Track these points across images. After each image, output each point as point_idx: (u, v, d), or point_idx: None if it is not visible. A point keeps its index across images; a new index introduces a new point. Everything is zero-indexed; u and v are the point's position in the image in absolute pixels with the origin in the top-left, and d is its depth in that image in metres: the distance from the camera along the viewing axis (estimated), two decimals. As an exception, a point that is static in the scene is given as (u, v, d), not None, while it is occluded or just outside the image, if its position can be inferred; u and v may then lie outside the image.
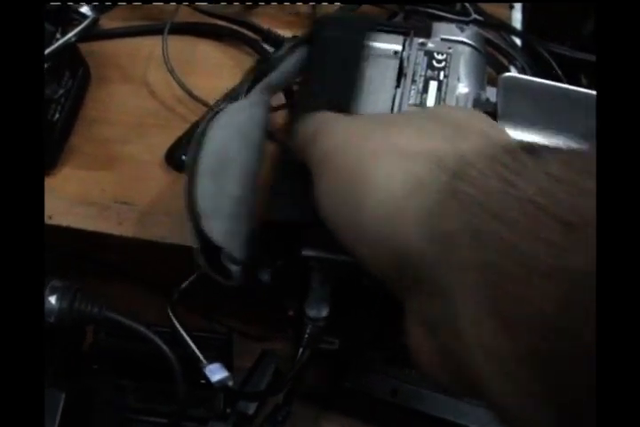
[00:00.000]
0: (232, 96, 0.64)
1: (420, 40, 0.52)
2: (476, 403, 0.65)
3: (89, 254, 0.67)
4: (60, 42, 0.58)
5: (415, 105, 0.49)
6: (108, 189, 0.63)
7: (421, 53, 0.51)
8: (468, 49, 0.53)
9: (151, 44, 0.69)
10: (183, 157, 0.62)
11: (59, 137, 0.64)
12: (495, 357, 0.28)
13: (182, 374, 0.53)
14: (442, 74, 0.50)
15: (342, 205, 0.35)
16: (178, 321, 0.55)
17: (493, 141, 0.34)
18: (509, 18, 0.72)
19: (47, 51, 0.58)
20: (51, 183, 0.63)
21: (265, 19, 0.70)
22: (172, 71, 0.64)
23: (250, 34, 0.68)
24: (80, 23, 0.61)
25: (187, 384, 0.55)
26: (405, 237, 0.32)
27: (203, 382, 0.61)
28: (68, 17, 0.62)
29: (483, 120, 0.39)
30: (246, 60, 0.68)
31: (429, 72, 0.50)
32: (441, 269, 0.30)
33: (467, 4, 0.66)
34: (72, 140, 0.65)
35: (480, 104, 0.50)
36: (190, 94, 0.64)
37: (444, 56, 0.51)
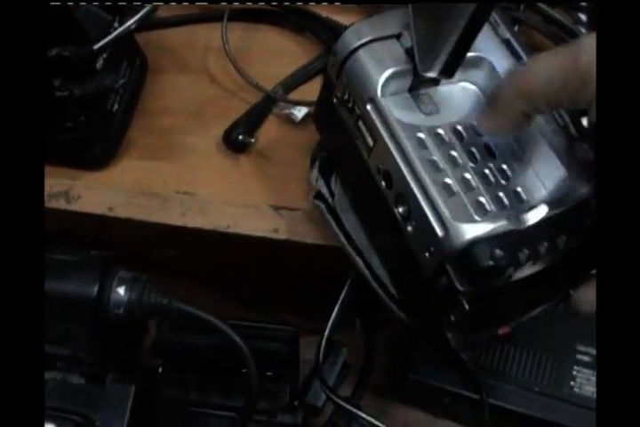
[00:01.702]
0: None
1: None
2: (546, 393, 0.64)
3: (146, 248, 0.67)
4: (119, 30, 0.57)
5: None
6: (170, 179, 0.62)
7: None
8: None
9: (207, 33, 0.68)
10: (240, 137, 0.61)
11: (118, 128, 0.63)
12: None
13: (256, 365, 0.51)
14: None
15: None
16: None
17: None
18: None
19: (105, 40, 0.57)
20: (110, 175, 0.62)
21: (322, 5, 0.68)
22: (233, 60, 0.63)
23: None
24: (137, 11, 0.60)
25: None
26: None
27: (269, 373, 0.60)
28: (124, 6, 0.62)
29: None
30: (306, 46, 0.67)
31: None
32: None
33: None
34: (131, 131, 0.64)
35: None
36: (251, 82, 0.63)
37: None
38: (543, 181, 0.45)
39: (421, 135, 0.47)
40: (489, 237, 0.42)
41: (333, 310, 0.59)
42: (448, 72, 0.46)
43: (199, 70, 0.67)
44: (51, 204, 0.61)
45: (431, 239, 0.44)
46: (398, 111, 0.48)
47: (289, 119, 0.63)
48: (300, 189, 0.60)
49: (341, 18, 0.67)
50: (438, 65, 0.46)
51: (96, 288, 0.50)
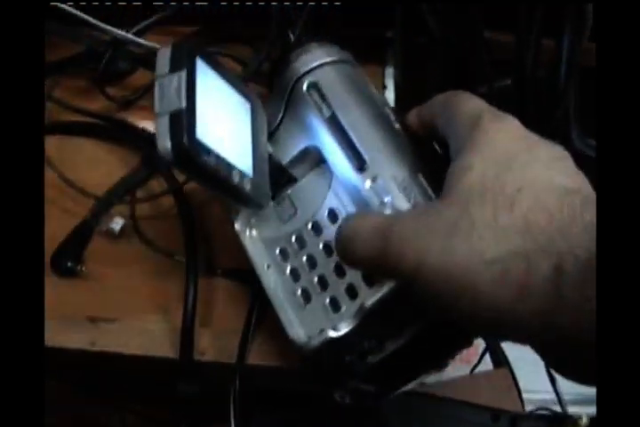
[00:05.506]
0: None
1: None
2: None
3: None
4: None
5: None
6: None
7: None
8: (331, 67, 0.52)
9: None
10: (69, 264, 0.61)
11: None
12: None
13: None
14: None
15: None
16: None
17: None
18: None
19: None
20: None
21: (138, 118, 0.70)
22: (57, 169, 0.63)
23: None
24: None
25: None
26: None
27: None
28: None
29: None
30: (125, 155, 0.68)
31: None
32: None
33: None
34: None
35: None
36: (82, 192, 0.64)
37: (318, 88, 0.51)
38: None
39: (280, 247, 0.50)
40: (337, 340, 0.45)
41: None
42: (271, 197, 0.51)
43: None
44: None
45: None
46: (261, 229, 0.52)
47: (109, 233, 0.64)
48: (118, 300, 0.61)
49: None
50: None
51: None
